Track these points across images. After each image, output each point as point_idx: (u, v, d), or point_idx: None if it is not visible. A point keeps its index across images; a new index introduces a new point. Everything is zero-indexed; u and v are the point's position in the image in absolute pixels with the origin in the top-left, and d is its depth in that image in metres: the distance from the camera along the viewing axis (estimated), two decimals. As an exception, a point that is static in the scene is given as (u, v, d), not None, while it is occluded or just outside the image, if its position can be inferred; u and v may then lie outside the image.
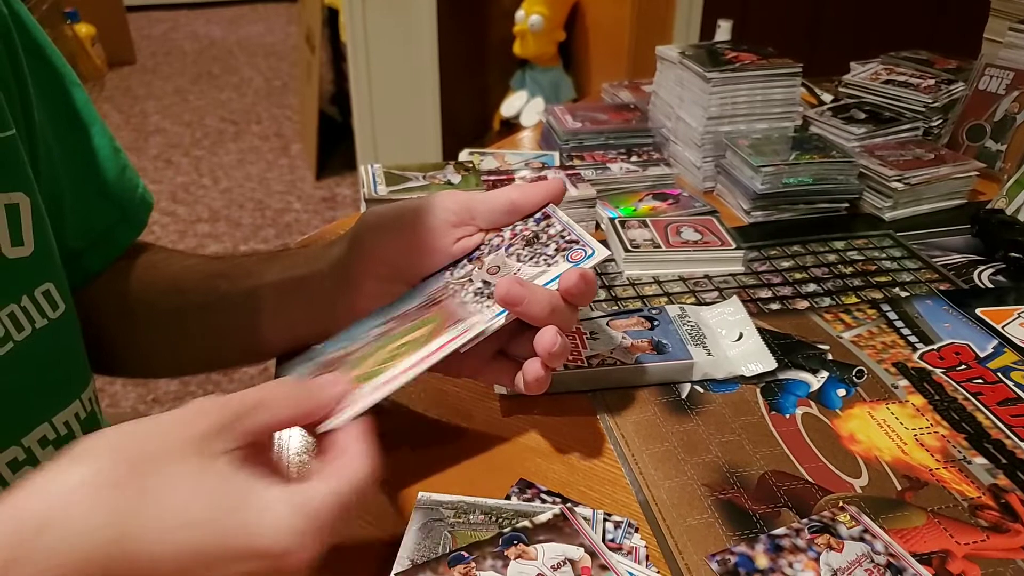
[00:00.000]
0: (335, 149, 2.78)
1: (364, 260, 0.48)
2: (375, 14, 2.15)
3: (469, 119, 2.53)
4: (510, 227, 0.48)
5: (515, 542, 0.40)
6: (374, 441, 0.38)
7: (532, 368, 0.43)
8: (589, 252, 0.44)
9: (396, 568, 0.38)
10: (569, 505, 0.43)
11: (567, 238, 0.46)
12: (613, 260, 0.70)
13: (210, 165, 2.84)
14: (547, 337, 0.42)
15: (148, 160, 2.85)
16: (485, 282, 0.45)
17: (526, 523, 0.41)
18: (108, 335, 0.56)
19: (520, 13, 2.26)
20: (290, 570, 0.34)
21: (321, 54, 2.63)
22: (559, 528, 0.40)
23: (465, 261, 0.48)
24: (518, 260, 0.45)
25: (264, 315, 0.51)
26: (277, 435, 0.43)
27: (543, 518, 0.41)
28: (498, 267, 0.46)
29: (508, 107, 2.43)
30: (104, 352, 0.56)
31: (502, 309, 0.42)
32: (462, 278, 0.47)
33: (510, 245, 0.47)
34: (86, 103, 0.54)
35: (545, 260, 0.45)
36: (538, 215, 0.48)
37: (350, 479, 0.36)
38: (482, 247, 0.48)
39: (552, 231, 0.46)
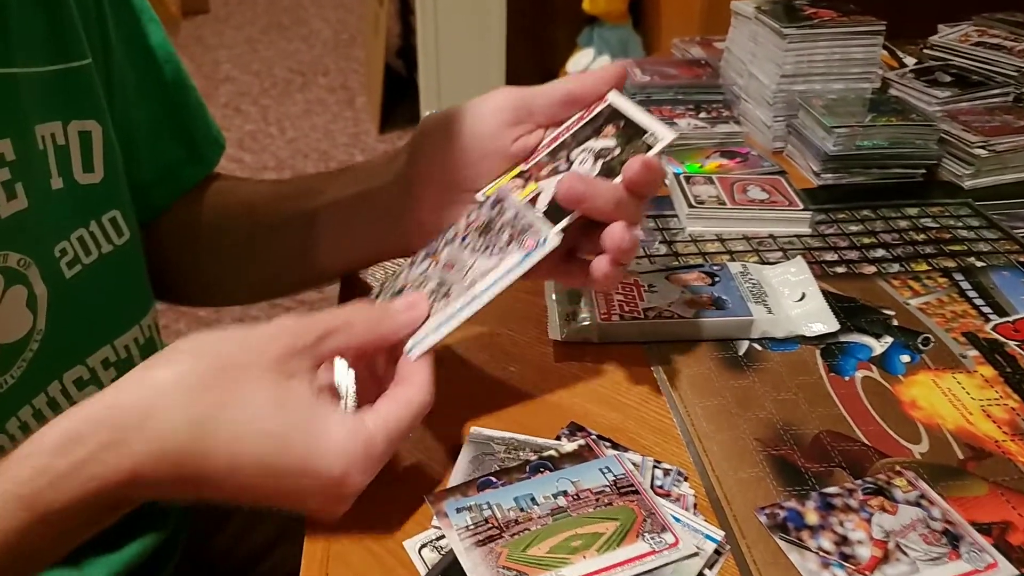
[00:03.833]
0: (399, 103, 2.79)
1: (424, 169, 0.47)
2: (444, -34, 2.13)
3: (535, 76, 2.49)
4: (465, 216, 0.46)
5: (541, 469, 0.40)
6: (434, 371, 0.39)
7: (600, 265, 0.42)
8: (542, 239, 0.41)
9: (445, 498, 0.39)
10: (607, 445, 0.43)
11: (520, 224, 0.42)
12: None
13: (277, 115, 2.88)
14: (615, 233, 0.41)
15: (217, 108, 2.90)
16: (440, 282, 0.43)
17: (552, 452, 0.42)
18: (175, 263, 0.58)
19: (591, -32, 2.22)
20: (346, 492, 0.36)
21: (389, 7, 2.62)
22: (584, 457, 0.41)
23: (423, 256, 0.46)
24: (472, 252, 0.43)
25: (332, 231, 0.52)
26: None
27: (569, 448, 0.42)
28: (453, 263, 0.43)
29: (574, 64, 2.39)
30: (170, 280, 0.58)
31: (460, 306, 0.40)
32: (418, 277, 0.45)
33: (465, 236, 0.45)
34: (163, 40, 0.55)
35: (500, 250, 0.42)
36: (492, 199, 0.45)
37: (405, 408, 0.37)
38: (438, 239, 0.46)
39: (505, 217, 0.44)
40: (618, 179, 0.41)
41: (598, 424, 0.46)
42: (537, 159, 0.46)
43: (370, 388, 0.42)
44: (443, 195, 0.47)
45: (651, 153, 0.42)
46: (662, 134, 0.42)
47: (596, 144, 0.44)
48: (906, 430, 0.46)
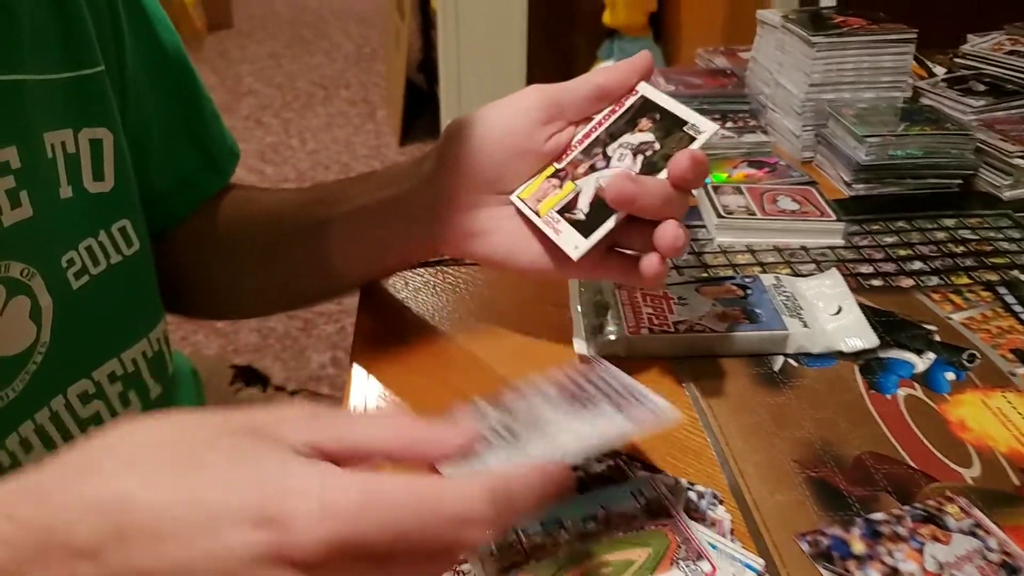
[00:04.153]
0: (420, 117, 2.79)
1: (454, 170, 0.46)
2: (465, -20, 2.13)
3: (554, 89, 2.49)
4: (545, 378, 0.37)
5: None
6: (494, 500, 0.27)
7: (651, 263, 0.41)
8: (658, 412, 0.34)
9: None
10: (637, 466, 0.41)
11: (624, 393, 0.35)
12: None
13: (298, 127, 2.89)
14: (668, 231, 0.40)
15: (239, 120, 2.92)
16: (504, 425, 0.34)
17: (580, 473, 0.40)
18: (188, 274, 0.57)
19: (612, -19, 2.21)
20: (291, 548, 0.25)
21: (411, 21, 2.63)
22: (613, 479, 0.39)
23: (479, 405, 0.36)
24: (555, 409, 0.35)
25: (356, 236, 0.51)
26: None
27: (597, 468, 0.40)
28: (524, 415, 0.35)
29: (595, 78, 2.38)
30: (182, 290, 0.57)
31: (540, 453, 0.32)
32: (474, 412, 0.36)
33: (543, 394, 0.36)
34: (178, 48, 0.55)
35: (594, 410, 0.35)
36: (591, 366, 0.38)
37: (409, 482, 0.26)
38: (505, 394, 0.36)
39: (604, 384, 0.36)
40: (662, 174, 0.40)
41: (627, 444, 0.44)
42: (571, 157, 0.45)
43: None
44: (474, 196, 0.46)
45: (695, 145, 0.41)
46: (704, 125, 0.41)
47: (633, 139, 0.43)
48: (955, 452, 0.44)
